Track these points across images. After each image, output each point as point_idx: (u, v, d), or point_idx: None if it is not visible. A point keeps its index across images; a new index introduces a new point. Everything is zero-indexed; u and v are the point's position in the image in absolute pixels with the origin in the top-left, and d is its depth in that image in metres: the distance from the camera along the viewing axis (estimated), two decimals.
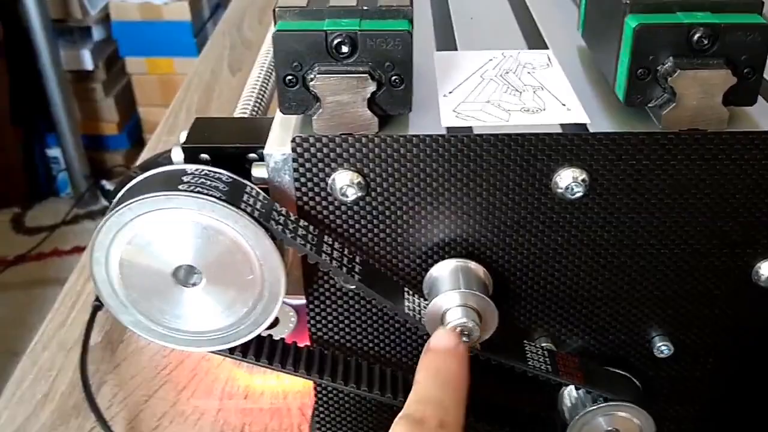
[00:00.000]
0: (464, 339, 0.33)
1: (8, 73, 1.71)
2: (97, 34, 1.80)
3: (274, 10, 0.31)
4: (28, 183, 1.87)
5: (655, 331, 0.37)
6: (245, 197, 0.31)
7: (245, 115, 0.41)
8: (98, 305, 0.49)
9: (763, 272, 0.35)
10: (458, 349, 0.31)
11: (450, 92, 0.35)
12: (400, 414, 0.29)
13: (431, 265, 0.35)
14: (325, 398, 0.40)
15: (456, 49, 0.40)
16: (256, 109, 0.43)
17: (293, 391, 0.45)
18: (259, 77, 0.44)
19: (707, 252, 0.35)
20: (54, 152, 1.86)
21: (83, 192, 1.86)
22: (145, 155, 0.69)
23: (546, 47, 0.40)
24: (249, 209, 0.31)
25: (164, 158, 0.60)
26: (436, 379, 0.30)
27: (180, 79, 1.78)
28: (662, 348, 0.37)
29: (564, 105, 0.34)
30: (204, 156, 0.34)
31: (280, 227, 0.31)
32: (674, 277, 0.36)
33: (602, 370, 0.37)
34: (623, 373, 0.38)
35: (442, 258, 0.35)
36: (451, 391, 0.30)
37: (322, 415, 0.40)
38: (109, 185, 1.89)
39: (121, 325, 0.33)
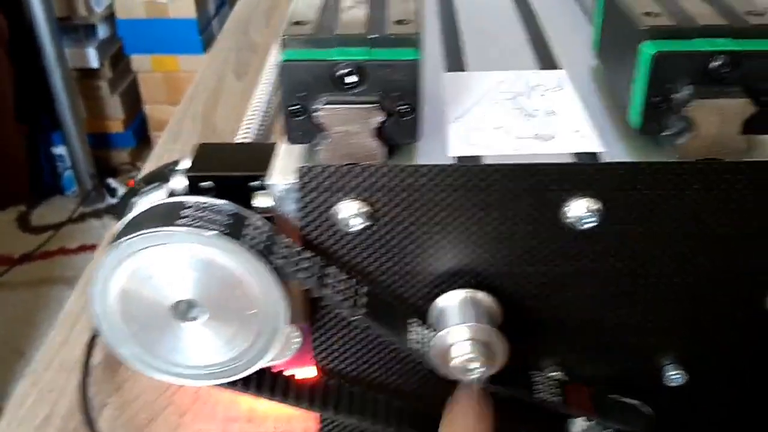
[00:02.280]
0: (472, 376, 0.32)
1: (13, 71, 1.70)
2: (102, 31, 1.79)
3: (282, 38, 0.30)
4: (33, 181, 1.87)
5: (667, 359, 0.36)
6: (246, 230, 0.30)
7: (248, 135, 0.40)
8: None
9: None
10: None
11: (459, 117, 0.34)
12: None
13: (438, 295, 0.34)
14: (330, 426, 0.39)
15: (465, 70, 0.39)
16: (261, 128, 0.42)
17: (297, 414, 0.44)
18: (262, 95, 0.43)
19: (722, 281, 0.34)
20: (59, 150, 1.85)
21: (89, 190, 1.85)
22: (150, 165, 0.68)
23: (558, 67, 0.39)
24: (250, 242, 0.30)
25: (170, 170, 0.60)
26: None
27: (185, 76, 1.77)
28: (675, 377, 0.36)
29: (577, 131, 0.33)
30: (207, 184, 0.33)
31: (283, 260, 0.30)
32: (687, 307, 0.35)
33: (613, 400, 0.37)
34: (635, 402, 0.37)
35: (450, 288, 0.34)
36: None
37: None
38: (115, 183, 1.89)
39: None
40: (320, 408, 0.35)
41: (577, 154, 0.32)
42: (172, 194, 0.33)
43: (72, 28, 1.74)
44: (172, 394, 0.45)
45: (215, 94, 0.79)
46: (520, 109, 0.35)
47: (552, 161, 0.31)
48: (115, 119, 1.88)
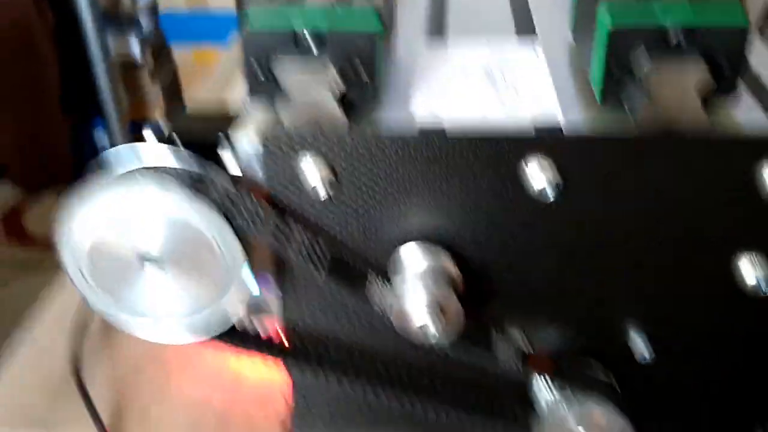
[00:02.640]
0: (430, 338, 0.33)
1: (58, 62, 1.76)
2: (145, 24, 1.83)
3: (246, 7, 0.32)
4: (76, 168, 1.92)
5: (633, 332, 0.36)
6: (210, 186, 0.31)
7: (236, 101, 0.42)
8: None
9: (745, 274, 0.34)
10: None
11: (429, 87, 0.35)
12: None
13: (403, 261, 0.35)
14: (302, 387, 0.40)
15: (445, 41, 0.40)
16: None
17: (280, 378, 0.45)
18: None
19: (686, 253, 0.34)
20: (101, 138, 1.91)
21: None
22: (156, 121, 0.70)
23: (536, 40, 0.39)
24: (212, 199, 0.31)
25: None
26: None
27: None
28: (641, 349, 0.36)
29: (541, 104, 0.33)
30: (176, 143, 0.35)
31: (246, 219, 0.32)
32: (653, 278, 0.35)
33: (578, 370, 0.37)
34: (600, 373, 0.37)
35: (415, 254, 0.35)
36: None
37: (300, 407, 0.41)
38: None
39: None
40: (288, 366, 0.36)
41: (539, 127, 0.32)
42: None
43: (116, 19, 1.79)
44: (160, 355, 0.47)
45: (230, 82, 0.81)
46: (490, 81, 0.35)
47: (513, 133, 0.31)
48: (156, 109, 1.92)
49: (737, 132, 0.31)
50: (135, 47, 1.82)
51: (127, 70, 1.86)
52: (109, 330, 0.48)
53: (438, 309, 0.32)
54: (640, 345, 0.36)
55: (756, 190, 0.32)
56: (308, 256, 0.33)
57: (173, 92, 1.93)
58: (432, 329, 0.32)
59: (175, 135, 0.33)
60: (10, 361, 0.48)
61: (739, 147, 0.31)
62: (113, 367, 0.46)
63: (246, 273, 0.32)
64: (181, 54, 1.88)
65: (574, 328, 0.36)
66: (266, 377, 0.46)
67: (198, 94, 0.74)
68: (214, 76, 0.80)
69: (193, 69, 1.90)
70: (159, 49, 1.90)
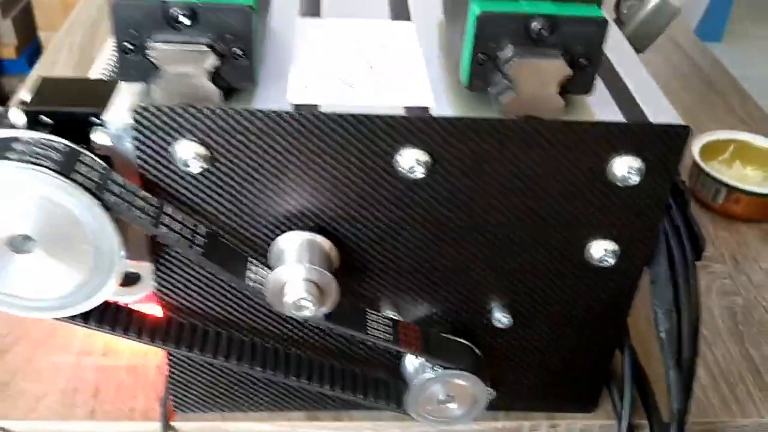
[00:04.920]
0: (304, 313, 0.34)
1: None
2: None
3: None
4: None
5: (494, 302, 0.39)
6: (79, 166, 0.30)
7: (105, 71, 0.40)
8: None
9: (594, 251, 0.37)
10: None
11: (303, 64, 0.35)
12: None
13: (277, 237, 0.35)
14: (177, 360, 0.40)
15: (320, 15, 0.40)
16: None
17: (154, 349, 0.45)
18: None
19: (543, 231, 0.36)
20: None
21: None
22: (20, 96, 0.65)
23: (409, 19, 0.40)
24: (81, 179, 0.30)
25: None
26: None
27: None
28: (501, 318, 0.39)
29: (412, 85, 0.35)
30: (45, 119, 0.33)
31: (115, 198, 0.31)
32: (513, 254, 0.37)
33: (443, 340, 0.39)
34: (464, 342, 0.40)
35: (290, 230, 0.35)
36: None
37: (176, 377, 0.41)
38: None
39: None
40: (162, 343, 0.36)
41: (409, 108, 0.33)
42: (12, 128, 0.33)
43: None
44: (27, 327, 0.46)
45: (95, 25, 0.76)
46: (363, 60, 0.36)
47: (384, 113, 0.32)
48: (7, 45, 1.78)
49: (591, 123, 0.33)
50: None
51: None
52: None
53: (312, 283, 0.34)
54: (499, 313, 0.39)
55: (606, 178, 0.35)
56: (180, 235, 0.32)
57: (26, 27, 1.80)
58: (307, 304, 0.33)
59: (42, 116, 0.31)
60: None
61: (591, 138, 0.33)
62: None
63: (119, 251, 0.31)
64: None
65: (442, 300, 0.39)
66: (139, 347, 0.45)
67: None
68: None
69: (48, 1, 1.77)
70: None
